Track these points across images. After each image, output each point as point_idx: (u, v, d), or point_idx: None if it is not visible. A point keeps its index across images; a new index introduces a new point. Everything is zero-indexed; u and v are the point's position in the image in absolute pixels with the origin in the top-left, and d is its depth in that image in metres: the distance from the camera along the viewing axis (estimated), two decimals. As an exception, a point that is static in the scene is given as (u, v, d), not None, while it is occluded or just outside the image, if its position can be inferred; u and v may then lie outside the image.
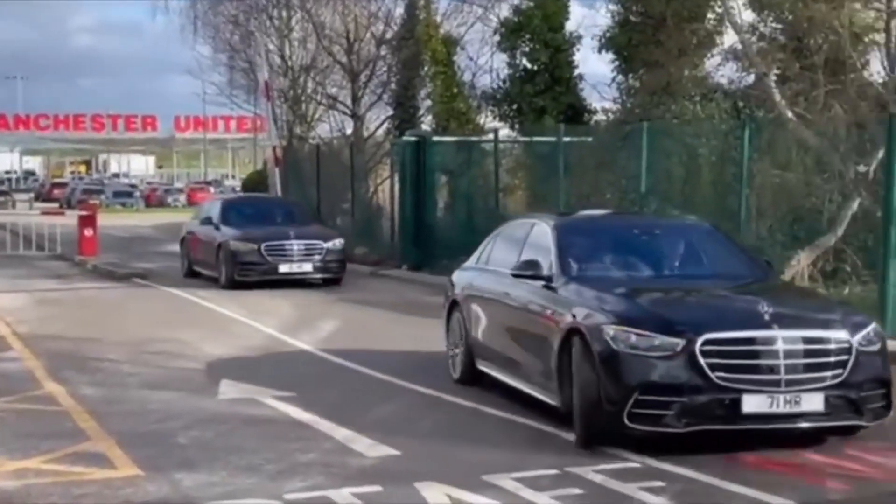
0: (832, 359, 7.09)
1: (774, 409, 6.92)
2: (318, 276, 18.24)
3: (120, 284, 19.66)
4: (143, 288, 19.04)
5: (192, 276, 19.70)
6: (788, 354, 6.99)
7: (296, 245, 17.96)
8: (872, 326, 7.48)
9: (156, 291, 18.46)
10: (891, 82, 14.66)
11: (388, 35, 27.66)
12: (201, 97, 43.65)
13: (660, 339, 7.05)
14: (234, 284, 17.66)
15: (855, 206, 13.71)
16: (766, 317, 7.16)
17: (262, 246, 17.73)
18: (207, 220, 19.18)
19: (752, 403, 6.91)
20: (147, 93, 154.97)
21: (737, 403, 6.92)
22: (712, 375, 6.92)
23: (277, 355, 11.75)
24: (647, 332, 7.09)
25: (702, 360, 6.93)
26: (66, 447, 7.57)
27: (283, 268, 17.84)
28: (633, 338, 7.11)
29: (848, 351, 7.12)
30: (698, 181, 15.74)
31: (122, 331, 13.47)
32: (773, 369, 6.96)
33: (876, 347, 7.34)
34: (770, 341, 7.02)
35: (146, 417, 8.64)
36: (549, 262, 8.44)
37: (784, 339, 7.01)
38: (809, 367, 7.03)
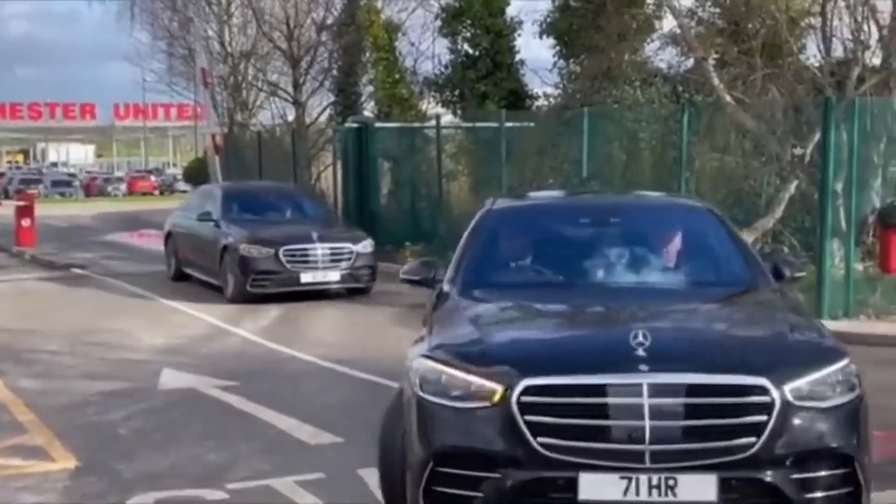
0: (736, 420, 4.61)
1: (632, 498, 4.54)
2: (346, 286, 15.06)
3: (59, 275, 19.37)
4: (83, 278, 18.78)
5: (181, 279, 16.97)
6: (658, 412, 4.57)
7: (320, 249, 14.68)
8: (836, 367, 4.91)
9: (95, 282, 18.22)
10: (826, 66, 14.87)
11: (329, 21, 27.45)
12: (141, 85, 43.08)
13: (476, 383, 4.81)
14: (246, 297, 14.52)
15: (792, 188, 13.93)
16: (637, 352, 4.71)
17: (281, 251, 14.49)
18: (206, 216, 15.90)
19: (595, 488, 4.56)
20: (86, 81, 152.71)
21: (573, 485, 4.59)
22: (534, 442, 4.61)
23: (219, 345, 11.66)
24: (460, 372, 4.88)
25: (519, 418, 4.64)
26: (4, 440, 7.47)
27: (306, 277, 14.53)
28: (444, 378, 4.93)
29: (767, 408, 4.61)
30: (639, 165, 15.89)
31: (61, 322, 13.29)
32: (632, 436, 4.56)
33: (830, 403, 4.78)
34: (629, 392, 4.60)
35: (85, 409, 8.53)
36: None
37: (652, 389, 4.58)
38: (694, 434, 4.58)
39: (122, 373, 10.02)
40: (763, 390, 4.62)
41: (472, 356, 4.94)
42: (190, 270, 16.82)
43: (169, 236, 17.98)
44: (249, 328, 12.58)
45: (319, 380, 9.57)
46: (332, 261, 14.71)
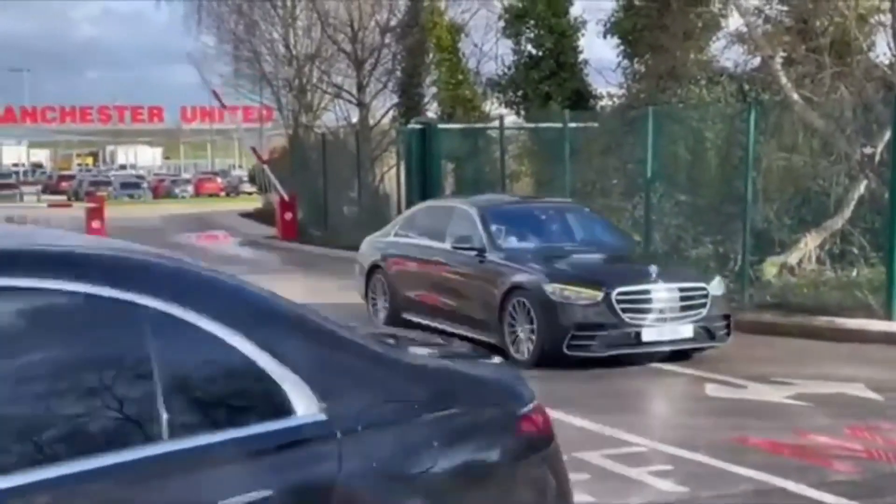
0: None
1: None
2: (699, 345, 10.45)
3: (128, 276, 19.65)
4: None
5: (396, 325, 11.61)
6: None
7: (666, 292, 10.24)
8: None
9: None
10: (897, 63, 14.62)
11: (393, 23, 27.66)
12: (207, 88, 43.61)
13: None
14: (559, 361, 9.95)
15: (862, 188, 13.71)
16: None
17: (614, 295, 10.06)
18: (464, 244, 11.30)
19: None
20: (153, 83, 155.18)
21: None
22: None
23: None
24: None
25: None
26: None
27: (649, 334, 10.08)
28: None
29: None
30: (704, 165, 15.73)
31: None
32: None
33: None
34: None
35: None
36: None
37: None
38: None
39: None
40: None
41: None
42: (419, 317, 11.88)
43: (374, 270, 12.93)
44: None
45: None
46: (683, 308, 10.22)
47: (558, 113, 19.40)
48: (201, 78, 35.17)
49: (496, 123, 20.90)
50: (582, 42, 23.44)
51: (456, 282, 11.37)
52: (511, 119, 22.69)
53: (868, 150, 13.49)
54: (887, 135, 12.73)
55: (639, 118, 16.46)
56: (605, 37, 21.63)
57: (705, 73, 18.74)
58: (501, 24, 24.15)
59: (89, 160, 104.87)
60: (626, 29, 20.95)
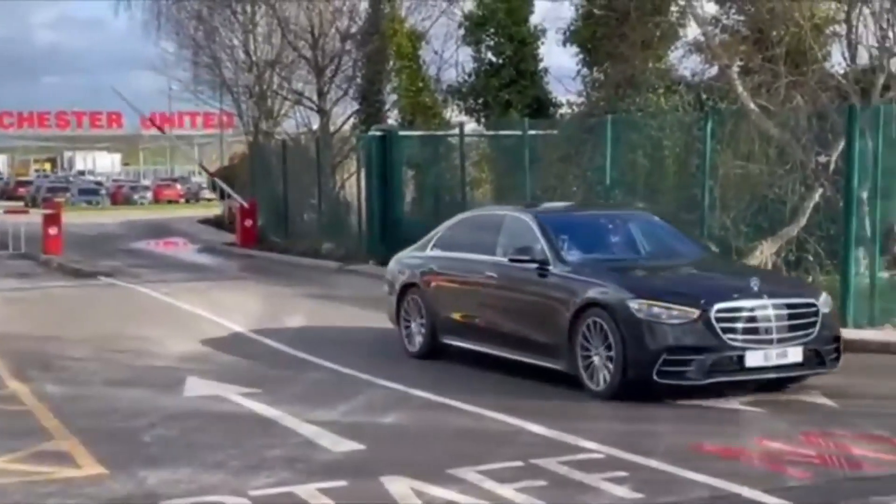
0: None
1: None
2: (809, 371, 9.07)
3: (85, 282, 19.52)
4: (109, 286, 18.92)
5: (434, 354, 10.84)
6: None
7: (772, 309, 8.83)
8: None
9: (122, 289, 18.35)
10: (851, 73, 14.79)
11: (353, 30, 27.60)
12: (167, 94, 43.36)
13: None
14: (646, 390, 8.69)
15: (817, 196, 13.84)
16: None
17: (713, 312, 8.65)
18: (522, 257, 9.80)
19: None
20: (111, 90, 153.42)
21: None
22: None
23: (243, 352, 11.71)
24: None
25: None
26: (29, 446, 7.52)
27: (754, 358, 8.66)
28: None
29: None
30: (662, 173, 15.84)
31: (87, 329, 13.39)
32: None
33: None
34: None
35: (110, 415, 8.60)
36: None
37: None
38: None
39: (147, 380, 10.08)
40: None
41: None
42: (463, 341, 10.57)
43: (408, 289, 11.28)
44: (273, 336, 12.62)
45: (342, 388, 9.59)
46: (791, 328, 8.83)
47: (518, 120, 19.47)
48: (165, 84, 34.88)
49: (456, 131, 20.93)
50: (542, 50, 23.57)
51: (512, 300, 9.91)
52: (471, 126, 22.72)
53: (823, 159, 13.63)
54: (842, 144, 12.87)
55: (598, 126, 16.56)
56: (564, 45, 21.76)
57: (663, 82, 18.88)
58: (462, 31, 24.19)
59: (47, 166, 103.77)
60: (585, 37, 21.07)
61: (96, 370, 10.65)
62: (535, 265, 9.61)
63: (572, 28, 21.45)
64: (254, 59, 30.01)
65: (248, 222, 27.00)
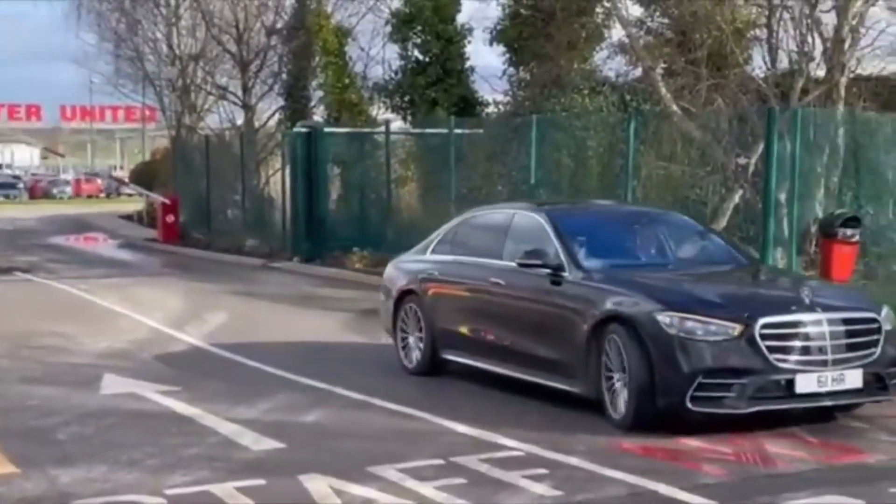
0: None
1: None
2: (869, 399, 7.81)
3: (1, 277, 19.09)
4: (25, 282, 18.53)
5: (435, 371, 9.66)
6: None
7: (827, 325, 7.54)
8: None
9: (38, 285, 17.98)
10: (771, 77, 15.07)
11: (279, 25, 27.39)
12: (88, 87, 42.62)
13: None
14: (677, 419, 7.46)
15: (737, 197, 14.07)
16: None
17: (757, 327, 7.36)
18: (532, 261, 8.50)
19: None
20: (31, 82, 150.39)
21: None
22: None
23: (162, 349, 11.53)
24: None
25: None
26: (-62, 446, 7.32)
27: (807, 382, 7.40)
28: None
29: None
30: (587, 172, 15.97)
31: (1, 325, 13.08)
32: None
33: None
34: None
35: (24, 413, 8.40)
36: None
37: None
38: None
39: (62, 377, 9.88)
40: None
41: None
42: (465, 357, 9.39)
43: (405, 297, 10.03)
44: (193, 333, 12.45)
45: (263, 386, 9.49)
46: (850, 347, 7.57)
47: (444, 119, 19.49)
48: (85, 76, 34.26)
49: (382, 128, 20.89)
50: (468, 49, 23.62)
51: (520, 311, 8.65)
52: (397, 124, 22.71)
53: (743, 161, 13.86)
54: (761, 146, 13.08)
55: (523, 125, 16.64)
56: (491, 44, 21.86)
57: (588, 83, 19.05)
58: (388, 28, 24.15)
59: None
60: (511, 37, 21.17)
61: (10, 367, 10.41)
62: (547, 271, 8.31)
63: (499, 27, 21.54)
64: (177, 52, 29.61)
65: (170, 218, 26.67)
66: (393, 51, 24.28)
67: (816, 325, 7.40)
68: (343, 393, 9.06)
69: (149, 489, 6.29)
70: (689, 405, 7.24)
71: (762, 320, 7.30)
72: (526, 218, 9.12)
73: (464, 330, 9.27)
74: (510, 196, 16.75)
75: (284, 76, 27.60)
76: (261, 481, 6.41)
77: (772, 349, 7.26)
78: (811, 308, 7.46)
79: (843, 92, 14.25)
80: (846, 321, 7.56)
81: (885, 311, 7.85)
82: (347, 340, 12.10)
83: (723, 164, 14.17)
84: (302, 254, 20.59)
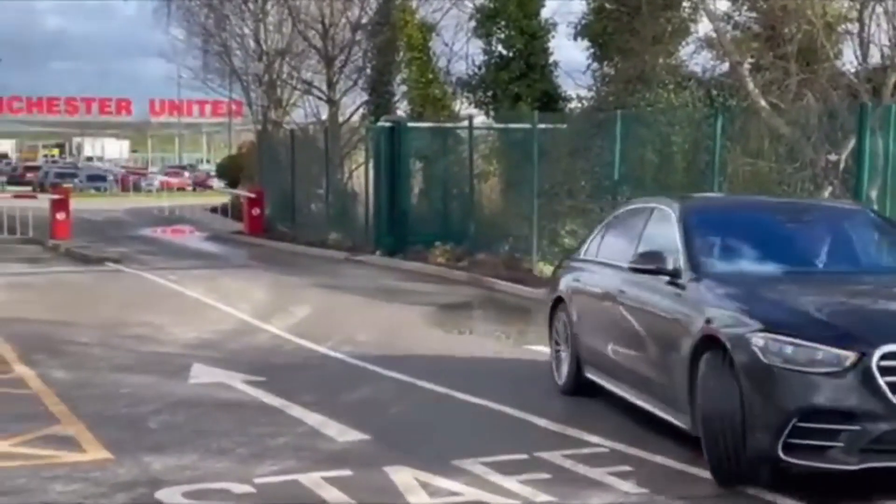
0: None
1: None
2: None
3: (92, 268, 19.56)
4: (116, 272, 18.95)
5: (581, 388, 8.61)
6: None
7: None
8: None
9: (128, 275, 18.38)
10: (863, 72, 14.75)
11: (364, 20, 27.57)
12: (176, 81, 43.36)
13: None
14: (769, 469, 6.08)
15: (826, 194, 13.80)
16: None
17: (875, 358, 5.70)
18: (650, 263, 7.30)
19: None
20: (121, 76, 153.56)
21: None
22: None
23: (249, 340, 11.72)
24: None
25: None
26: (36, 430, 7.54)
27: None
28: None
29: None
30: (671, 169, 15.81)
31: (93, 314, 13.41)
32: None
33: None
34: None
35: (117, 401, 8.61)
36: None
37: None
38: None
39: (153, 366, 10.10)
40: None
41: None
42: (602, 378, 8.25)
43: (558, 305, 9.13)
44: (279, 324, 12.63)
45: (348, 378, 9.60)
46: None
47: (527, 114, 19.45)
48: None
49: (465, 123, 20.91)
50: (552, 44, 23.54)
51: (633, 323, 7.47)
52: (480, 119, 22.72)
53: (833, 158, 13.60)
54: (852, 142, 12.84)
55: (607, 121, 16.55)
56: (575, 39, 21.74)
57: (674, 78, 18.85)
58: (472, 24, 24.16)
59: (55, 151, 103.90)
60: (596, 32, 21.05)
61: (103, 356, 10.67)
62: (664, 276, 7.04)
63: (583, 22, 21.43)
64: (264, 48, 29.98)
65: (256, 211, 27.05)
66: (476, 46, 24.32)
67: None
68: (427, 386, 9.13)
69: (238, 477, 6.41)
70: (781, 454, 5.77)
71: (884, 349, 5.63)
72: (661, 213, 7.79)
73: (600, 346, 8.13)
74: (592, 193, 16.69)
75: (369, 71, 27.79)
76: (347, 472, 6.49)
77: (894, 387, 5.62)
78: None
79: (937, 87, 13.92)
80: None
81: None
82: (428, 334, 12.17)
83: (812, 161, 13.92)
84: (384, 248, 20.74)
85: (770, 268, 7.09)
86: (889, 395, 5.61)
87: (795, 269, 7.10)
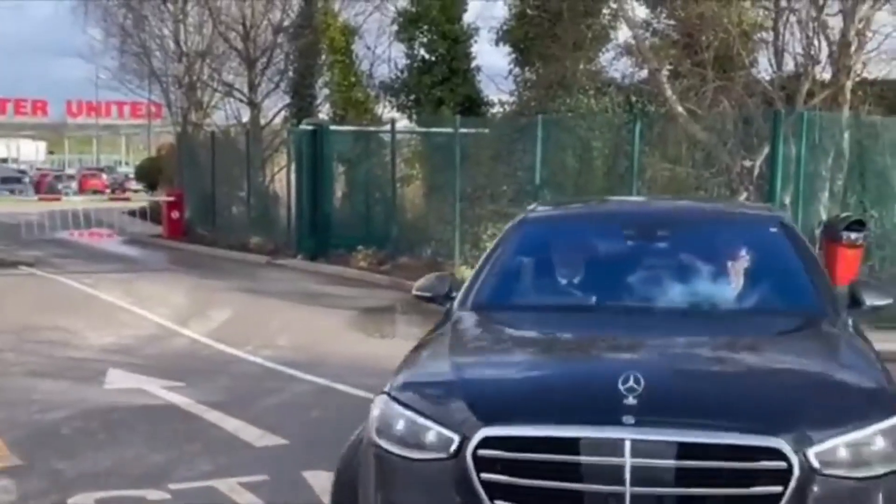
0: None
1: None
2: None
3: (5, 272, 19.12)
4: (30, 276, 18.57)
5: None
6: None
7: (630, 455, 3.74)
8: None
9: (43, 279, 18.02)
10: (777, 79, 15.06)
11: (286, 22, 27.41)
12: (94, 82, 42.65)
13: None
14: None
15: (741, 199, 14.07)
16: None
17: (473, 444, 3.87)
18: (426, 283, 5.66)
19: None
20: (37, 77, 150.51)
21: None
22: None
23: (167, 345, 11.57)
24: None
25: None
26: (-57, 438, 7.36)
27: None
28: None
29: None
30: (592, 173, 15.98)
31: (5, 318, 13.12)
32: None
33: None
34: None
35: (29, 407, 8.43)
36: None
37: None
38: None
39: (67, 371, 9.91)
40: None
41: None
42: None
43: None
44: (198, 329, 12.48)
45: (266, 382, 9.52)
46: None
47: (450, 118, 19.49)
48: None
49: (388, 127, 20.90)
50: (474, 49, 23.60)
51: None
52: (403, 123, 22.71)
53: (748, 163, 13.87)
54: (766, 148, 13.10)
55: (529, 125, 16.66)
56: (497, 44, 21.86)
57: (594, 84, 19.04)
58: (395, 27, 24.15)
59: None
60: (517, 37, 21.19)
61: (14, 361, 10.44)
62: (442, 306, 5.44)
63: (505, 28, 21.56)
64: (184, 49, 29.62)
65: (175, 214, 26.71)
66: (399, 50, 24.29)
67: (611, 450, 3.72)
68: (345, 390, 9.09)
69: (152, 484, 6.32)
70: None
71: (484, 432, 3.83)
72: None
73: None
74: (514, 197, 16.78)
75: (291, 74, 27.62)
76: (264, 477, 6.44)
77: (492, 488, 3.80)
78: (640, 423, 3.74)
79: (848, 95, 14.25)
80: (688, 451, 3.71)
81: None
82: (349, 338, 12.12)
83: (728, 167, 14.18)
84: (306, 251, 20.62)
85: (555, 300, 5.27)
86: (483, 497, 3.80)
87: (584, 305, 5.19)
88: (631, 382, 3.85)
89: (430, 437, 3.96)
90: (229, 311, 14.18)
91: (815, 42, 14.64)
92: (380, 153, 20.89)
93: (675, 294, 5.14)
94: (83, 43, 34.46)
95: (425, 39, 23.37)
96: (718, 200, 9.61)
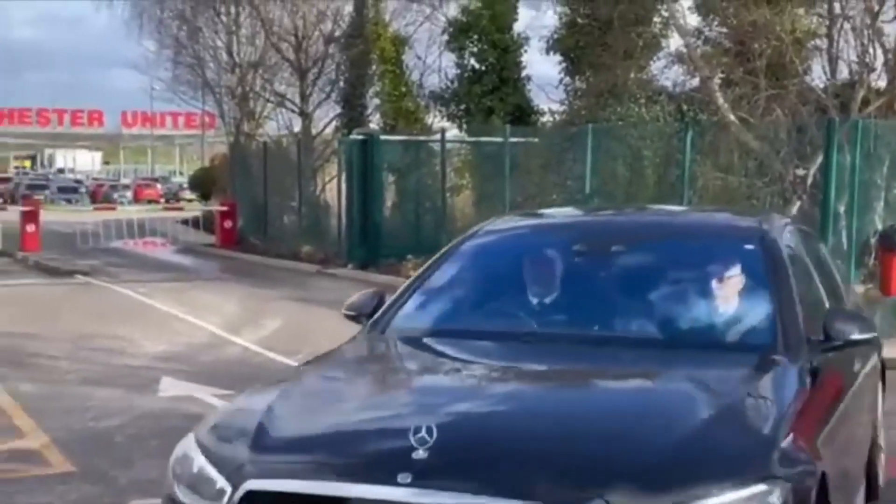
0: None
1: None
2: None
3: (62, 280, 19.42)
4: (86, 285, 18.83)
5: None
6: None
7: None
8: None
9: (98, 288, 18.27)
10: (831, 87, 14.92)
11: (337, 33, 27.62)
12: (149, 93, 43.21)
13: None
14: None
15: (795, 209, 13.93)
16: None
17: (240, 496, 3.51)
18: (354, 301, 5.27)
19: None
20: (94, 87, 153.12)
21: None
22: None
23: (219, 353, 11.67)
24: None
25: None
26: (1, 444, 7.47)
27: None
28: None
29: None
30: (642, 182, 15.92)
31: (62, 327, 13.31)
32: None
33: None
34: None
35: (83, 415, 8.53)
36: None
37: None
38: None
39: (121, 379, 10.02)
40: None
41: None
42: None
43: None
44: (250, 338, 12.58)
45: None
46: None
47: (500, 127, 19.53)
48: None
49: (438, 136, 20.96)
50: (525, 58, 23.66)
51: None
52: (453, 132, 22.78)
53: (801, 172, 13.74)
54: (820, 157, 12.97)
55: (579, 134, 16.64)
56: (547, 53, 21.88)
57: (645, 92, 18.99)
58: (445, 37, 24.25)
59: (27, 163, 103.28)
60: (568, 46, 21.17)
61: (70, 369, 10.58)
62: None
63: (555, 37, 21.55)
64: (237, 60, 29.95)
65: (228, 224, 26.96)
66: (449, 59, 24.42)
67: None
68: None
69: (204, 491, 6.37)
70: None
71: (250, 485, 3.47)
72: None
73: None
74: (564, 206, 16.76)
75: (342, 84, 27.82)
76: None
77: None
78: (417, 480, 3.23)
79: (904, 103, 14.09)
80: None
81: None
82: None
83: (781, 175, 14.06)
84: (356, 260, 20.72)
85: (466, 325, 4.75)
86: None
87: (490, 331, 4.65)
88: (423, 433, 3.31)
89: (211, 485, 3.59)
90: (280, 319, 14.27)
91: (870, 49, 14.49)
92: (430, 162, 20.95)
93: (597, 320, 4.55)
94: (138, 55, 34.84)
95: (475, 49, 23.43)
96: (704, 210, 8.64)
